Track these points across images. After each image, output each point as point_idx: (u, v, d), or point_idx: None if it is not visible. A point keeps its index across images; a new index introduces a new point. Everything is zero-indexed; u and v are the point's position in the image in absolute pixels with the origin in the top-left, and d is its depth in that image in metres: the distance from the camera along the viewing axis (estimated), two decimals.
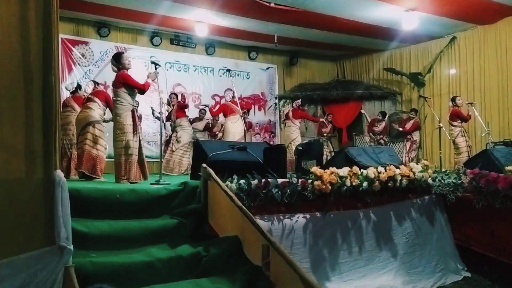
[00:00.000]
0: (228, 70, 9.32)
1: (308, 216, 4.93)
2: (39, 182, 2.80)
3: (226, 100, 9.33)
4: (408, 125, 10.87)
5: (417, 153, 10.91)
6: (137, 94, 6.00)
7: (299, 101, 10.25)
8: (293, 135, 9.83)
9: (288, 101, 12.64)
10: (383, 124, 11.27)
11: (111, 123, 6.14)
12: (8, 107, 2.74)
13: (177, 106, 9.09)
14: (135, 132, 5.79)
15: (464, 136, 9.05)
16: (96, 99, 6.80)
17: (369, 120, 11.46)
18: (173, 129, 9.09)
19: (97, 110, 6.75)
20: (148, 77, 5.95)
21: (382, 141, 11.03)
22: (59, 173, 2.85)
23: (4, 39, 2.70)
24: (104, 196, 3.95)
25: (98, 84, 7.51)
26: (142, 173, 5.98)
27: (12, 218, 2.69)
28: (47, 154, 2.83)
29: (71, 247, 2.77)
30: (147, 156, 6.34)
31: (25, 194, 2.76)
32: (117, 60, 5.94)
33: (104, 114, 6.96)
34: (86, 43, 10.16)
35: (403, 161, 9.54)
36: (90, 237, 3.49)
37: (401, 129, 10.98)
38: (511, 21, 9.95)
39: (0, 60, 2.68)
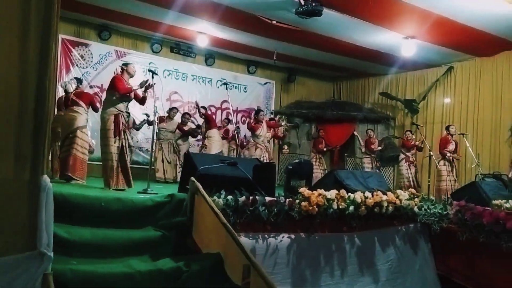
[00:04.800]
0: (225, 84, 9.33)
1: (293, 236, 4.92)
2: (25, 185, 2.76)
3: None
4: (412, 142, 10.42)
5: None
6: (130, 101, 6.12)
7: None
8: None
9: (283, 117, 12.71)
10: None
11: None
12: (3, 105, 2.71)
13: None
14: (116, 137, 5.81)
15: (446, 165, 9.13)
16: (81, 103, 6.85)
17: (362, 142, 11.50)
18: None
19: (84, 115, 6.84)
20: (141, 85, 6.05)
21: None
22: (46, 178, 2.84)
23: (2, 37, 2.66)
24: (89, 203, 3.94)
25: (81, 82, 7.54)
26: (125, 180, 5.92)
27: None
28: (36, 157, 2.81)
29: (52, 254, 2.75)
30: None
31: (9, 195, 2.72)
32: (126, 65, 6.21)
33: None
34: (86, 45, 10.19)
35: (414, 185, 9.56)
36: (71, 244, 3.47)
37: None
38: (508, 55, 10.08)
39: None
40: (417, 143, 10.28)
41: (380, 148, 11.21)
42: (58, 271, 2.89)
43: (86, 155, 6.79)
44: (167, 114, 9.67)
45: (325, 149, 11.55)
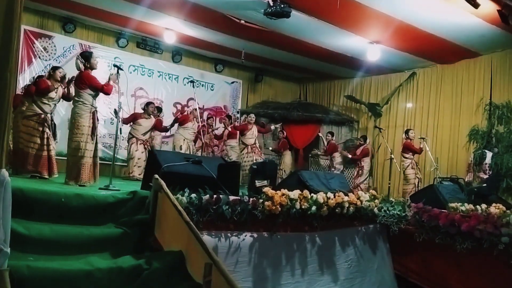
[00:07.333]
0: (192, 82, 9.25)
1: (255, 235, 4.96)
2: None
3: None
4: (358, 151, 11.02)
5: (367, 180, 11.13)
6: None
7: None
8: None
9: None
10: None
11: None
12: None
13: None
14: (93, 135, 5.76)
15: (414, 168, 9.41)
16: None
17: (326, 144, 11.65)
18: None
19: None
20: (109, 79, 5.95)
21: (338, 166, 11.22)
22: (4, 172, 2.77)
23: None
24: (49, 199, 3.86)
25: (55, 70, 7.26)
26: (93, 175, 5.91)
27: None
28: None
29: (8, 250, 2.69)
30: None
31: None
32: (86, 59, 5.86)
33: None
34: (49, 37, 9.91)
35: (351, 187, 9.78)
36: (29, 240, 3.41)
37: (350, 156, 11.16)
38: (467, 63, 10.38)
39: None
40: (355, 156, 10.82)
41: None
42: (14, 267, 2.83)
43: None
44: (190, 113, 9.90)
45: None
